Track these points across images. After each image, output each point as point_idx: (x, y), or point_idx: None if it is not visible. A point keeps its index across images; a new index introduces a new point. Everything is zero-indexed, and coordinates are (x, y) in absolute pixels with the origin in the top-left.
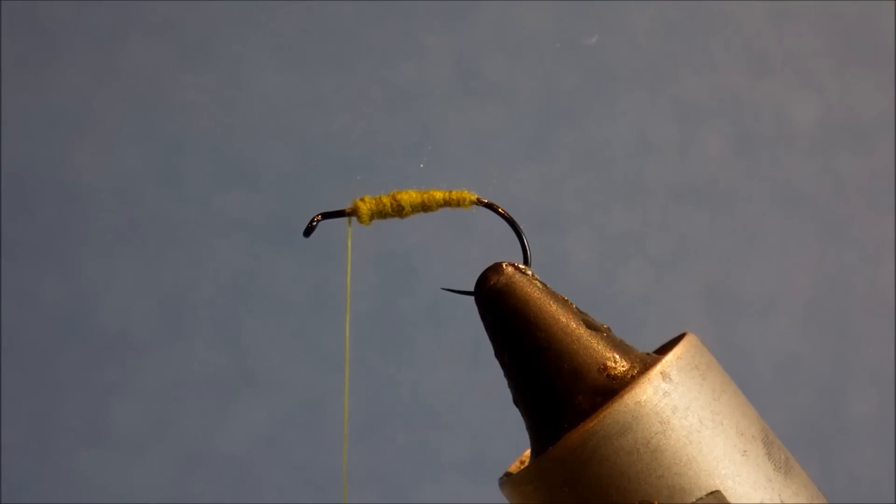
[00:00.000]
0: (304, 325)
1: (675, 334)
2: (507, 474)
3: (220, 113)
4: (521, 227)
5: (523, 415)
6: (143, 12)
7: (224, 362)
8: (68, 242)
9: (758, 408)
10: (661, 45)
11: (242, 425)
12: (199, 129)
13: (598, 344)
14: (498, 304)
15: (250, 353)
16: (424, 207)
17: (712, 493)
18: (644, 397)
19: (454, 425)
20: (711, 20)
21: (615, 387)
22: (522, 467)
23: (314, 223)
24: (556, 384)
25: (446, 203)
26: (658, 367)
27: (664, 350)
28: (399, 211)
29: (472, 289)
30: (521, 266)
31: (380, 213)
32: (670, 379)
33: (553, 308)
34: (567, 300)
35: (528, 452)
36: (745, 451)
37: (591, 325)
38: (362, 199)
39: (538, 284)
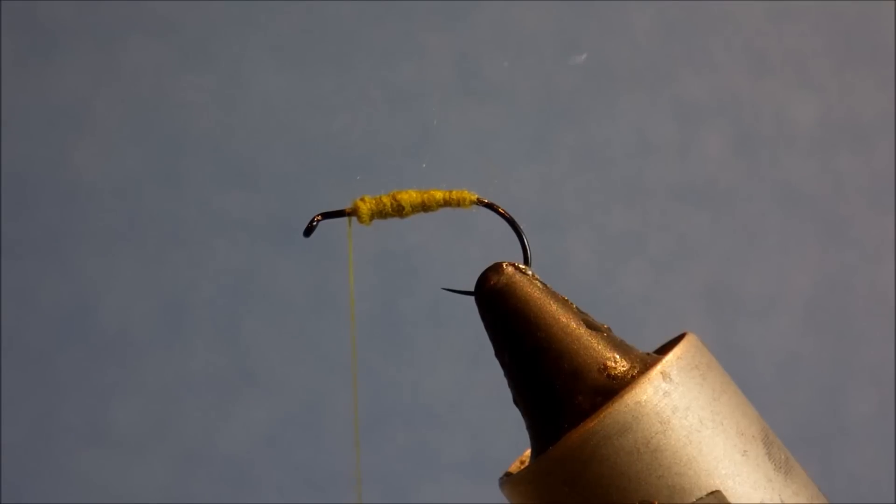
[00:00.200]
0: (304, 325)
1: (675, 334)
2: (507, 474)
3: (220, 113)
4: (521, 227)
5: (523, 415)
6: (143, 12)
7: (224, 362)
8: (68, 242)
9: (758, 408)
10: (661, 45)
11: (242, 425)
12: (199, 129)
13: (598, 344)
14: (498, 304)
15: (250, 353)
16: (424, 207)
17: (712, 493)
18: (644, 397)
19: (454, 425)
20: (711, 20)
21: (615, 387)
22: (522, 467)
23: (314, 223)
24: (557, 384)
25: (446, 203)
26: (658, 367)
27: (664, 350)
28: (399, 211)
29: (472, 289)
30: (522, 266)
31: (380, 213)
32: (670, 379)
33: (553, 308)
34: (567, 300)
35: (528, 452)
36: (745, 451)
37: (591, 325)
38: (362, 199)
39: (538, 284)
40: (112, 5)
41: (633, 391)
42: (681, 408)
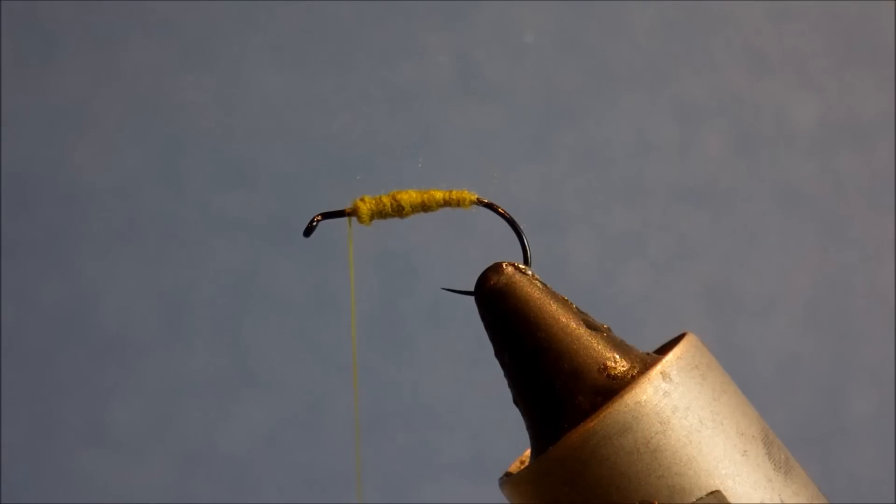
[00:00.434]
0: (305, 325)
1: (675, 334)
2: (507, 474)
3: (220, 113)
4: (521, 227)
5: (523, 415)
6: (143, 12)
7: (224, 362)
8: (68, 242)
9: (758, 408)
10: (661, 45)
11: (242, 425)
12: (199, 129)
13: (598, 344)
14: (498, 304)
15: (250, 353)
16: (424, 207)
17: (712, 492)
18: (644, 397)
19: (454, 425)
20: (711, 20)
21: (615, 387)
22: (522, 467)
23: (314, 223)
24: (556, 384)
25: (446, 203)
26: (658, 367)
27: (664, 350)
28: (399, 211)
29: (472, 289)
30: (522, 266)
31: (380, 213)
32: (670, 379)
33: (553, 308)
34: (567, 300)
35: (528, 452)
36: (745, 451)
37: (591, 325)
38: (362, 199)
39: (538, 284)
40: (112, 5)
41: (633, 391)
42: (681, 408)
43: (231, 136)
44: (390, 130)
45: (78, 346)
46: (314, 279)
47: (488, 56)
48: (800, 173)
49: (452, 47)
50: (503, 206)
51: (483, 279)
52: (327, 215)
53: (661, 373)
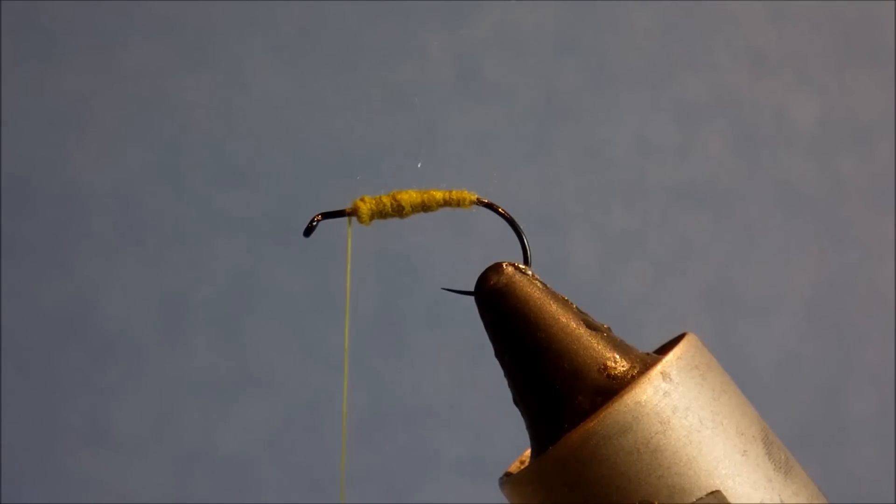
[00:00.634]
0: (304, 325)
1: (675, 334)
2: (507, 474)
3: (220, 113)
4: (521, 227)
5: (523, 415)
6: (143, 12)
7: (224, 362)
8: (68, 242)
9: (758, 408)
10: (661, 45)
11: (242, 425)
12: (199, 129)
13: (598, 344)
14: (498, 304)
15: (250, 353)
16: (424, 207)
17: (712, 493)
18: (644, 397)
19: (454, 425)
20: (711, 20)
21: (615, 387)
22: (522, 467)
23: (314, 223)
24: (557, 384)
25: (446, 203)
26: (658, 367)
27: (664, 350)
28: (399, 211)
29: (472, 289)
30: (522, 266)
31: (380, 213)
32: (670, 379)
33: (553, 308)
34: (567, 300)
35: (528, 452)
36: (745, 451)
37: (591, 325)
38: (362, 199)
39: (538, 284)
40: (112, 5)
41: (633, 391)
42: (681, 408)
43: (231, 136)
44: (390, 130)
45: (78, 346)
46: (314, 279)
47: (488, 56)
48: (800, 173)
49: (452, 47)
50: (503, 206)
51: (483, 279)
52: (327, 215)
53: (661, 373)
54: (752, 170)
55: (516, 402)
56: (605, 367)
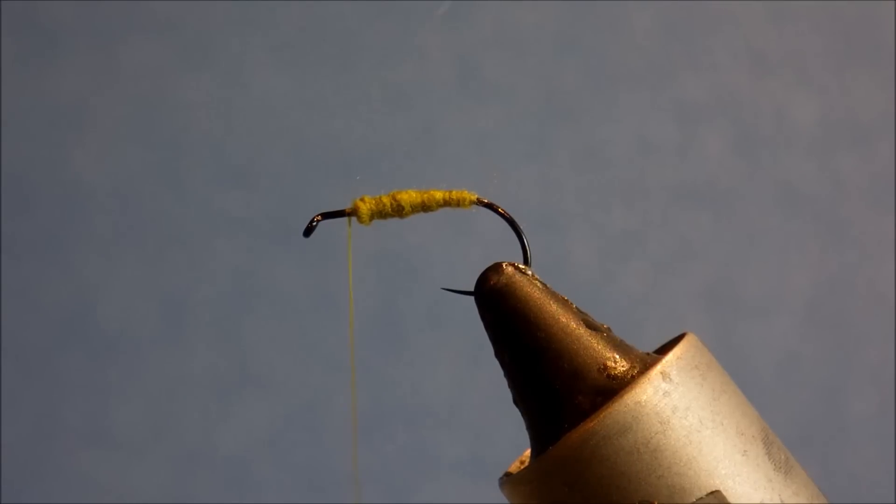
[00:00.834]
0: (304, 325)
1: (675, 334)
2: (507, 474)
3: (220, 113)
4: (521, 227)
5: (523, 415)
6: (143, 12)
7: (224, 362)
8: (68, 242)
9: (758, 408)
10: (661, 45)
11: (242, 425)
12: (199, 129)
13: (598, 344)
14: (498, 304)
15: (250, 353)
16: (424, 207)
17: (712, 493)
18: (644, 397)
19: (454, 425)
20: (711, 20)
21: (615, 387)
22: (522, 467)
23: (314, 223)
24: (557, 384)
25: (446, 203)
26: (658, 367)
27: (664, 350)
28: (399, 211)
29: (472, 289)
30: (521, 266)
31: (380, 213)
32: (670, 379)
33: (553, 308)
34: (567, 300)
35: (528, 452)
36: (745, 451)
37: (591, 325)
38: (362, 199)
39: (538, 284)
40: (112, 5)
41: (633, 391)
42: (681, 408)
43: (231, 136)
44: (390, 130)
45: (78, 346)
46: (314, 279)
47: (488, 56)
48: (800, 173)
49: (452, 47)
50: (503, 206)
51: (483, 279)
52: (327, 215)
53: (661, 373)
54: (752, 170)
55: (516, 402)
56: (605, 367)
